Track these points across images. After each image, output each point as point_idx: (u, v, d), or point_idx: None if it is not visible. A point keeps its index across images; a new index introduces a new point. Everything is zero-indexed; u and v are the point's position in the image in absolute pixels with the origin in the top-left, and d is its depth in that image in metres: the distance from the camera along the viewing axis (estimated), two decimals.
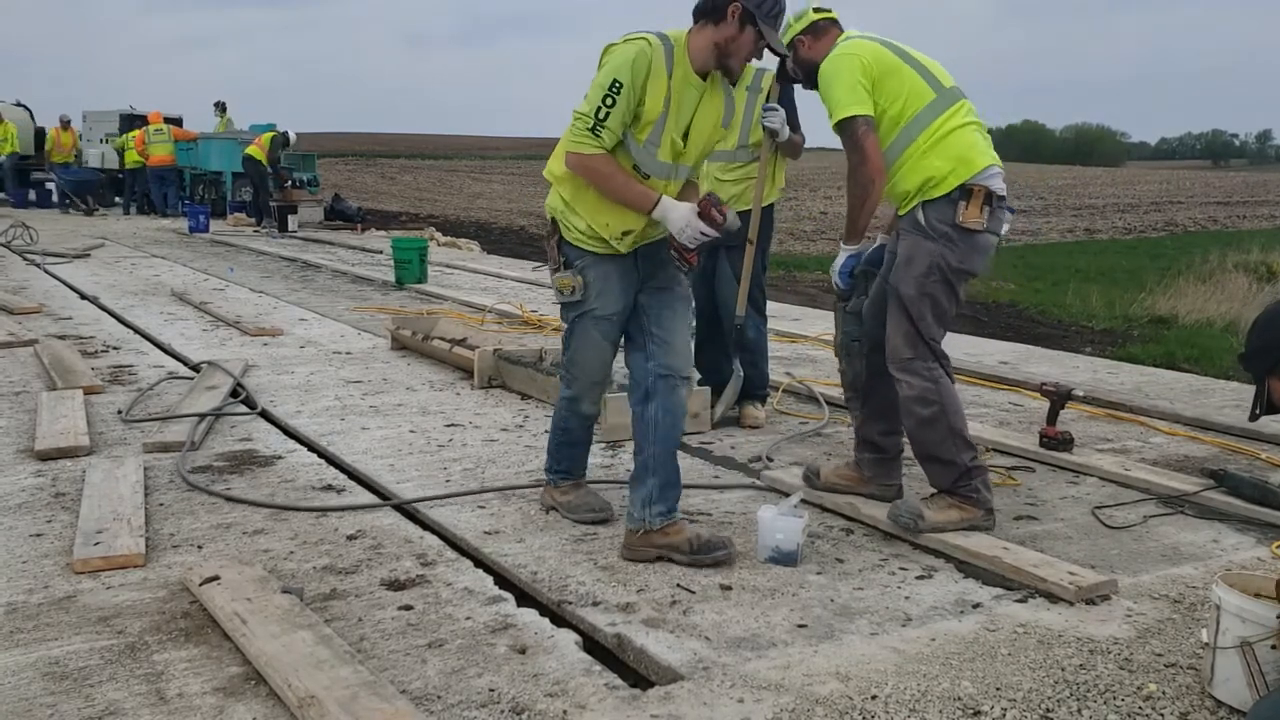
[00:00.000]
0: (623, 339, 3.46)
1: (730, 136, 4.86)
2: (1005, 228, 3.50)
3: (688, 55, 3.20)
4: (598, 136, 3.14)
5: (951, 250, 3.40)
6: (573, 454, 3.68)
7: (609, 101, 3.11)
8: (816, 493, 3.83)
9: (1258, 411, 2.52)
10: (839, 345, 3.95)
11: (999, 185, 3.43)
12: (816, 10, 3.67)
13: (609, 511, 3.62)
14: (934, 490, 3.57)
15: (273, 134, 17.71)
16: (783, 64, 3.93)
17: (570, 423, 3.60)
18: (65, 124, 21.92)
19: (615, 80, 3.11)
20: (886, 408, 3.69)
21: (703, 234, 3.18)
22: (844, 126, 3.41)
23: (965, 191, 3.36)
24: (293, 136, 18.21)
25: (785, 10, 3.27)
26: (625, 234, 3.28)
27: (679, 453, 4.55)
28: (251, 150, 17.56)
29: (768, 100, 4.80)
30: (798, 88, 4.93)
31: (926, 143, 3.39)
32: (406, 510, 3.75)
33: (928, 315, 3.44)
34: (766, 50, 3.27)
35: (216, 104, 22.17)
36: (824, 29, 3.61)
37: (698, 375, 4.70)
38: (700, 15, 3.21)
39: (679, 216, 3.17)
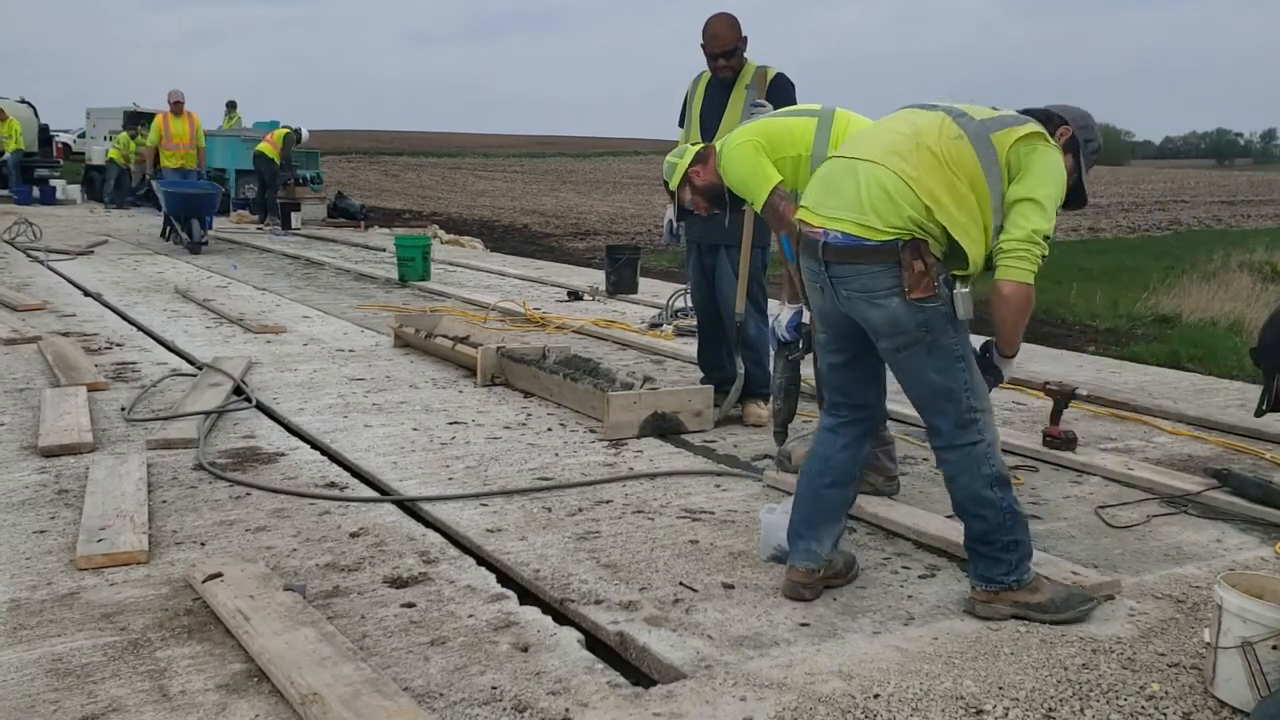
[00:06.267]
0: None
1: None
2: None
3: None
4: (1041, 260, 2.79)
5: None
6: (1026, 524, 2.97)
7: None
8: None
9: (1264, 407, 2.52)
10: (775, 387, 4.10)
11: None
12: (692, 144, 4.01)
13: None
14: None
15: (285, 131, 17.70)
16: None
17: (1007, 477, 2.94)
18: (178, 108, 14.34)
19: (1058, 198, 2.84)
20: None
21: None
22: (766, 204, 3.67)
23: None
24: (305, 134, 18.17)
25: (1100, 153, 3.10)
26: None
27: (682, 451, 4.58)
28: (263, 147, 17.52)
29: (758, 96, 4.80)
30: (795, 85, 4.94)
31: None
32: (408, 507, 3.76)
33: None
34: None
35: (229, 104, 22.18)
36: (705, 154, 3.89)
37: None
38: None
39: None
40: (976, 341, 2.97)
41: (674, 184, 3.96)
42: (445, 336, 6.43)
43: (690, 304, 7.57)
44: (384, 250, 13.32)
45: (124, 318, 7.87)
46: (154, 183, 14.87)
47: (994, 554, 2.87)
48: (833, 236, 2.81)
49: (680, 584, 3.09)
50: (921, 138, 2.81)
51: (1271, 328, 2.51)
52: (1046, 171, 2.80)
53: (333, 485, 3.97)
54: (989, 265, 2.84)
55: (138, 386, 5.48)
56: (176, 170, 14.30)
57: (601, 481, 4.06)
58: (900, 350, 2.84)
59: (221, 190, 14.63)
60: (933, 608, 2.97)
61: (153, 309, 8.30)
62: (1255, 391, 2.58)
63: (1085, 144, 2.98)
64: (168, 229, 13.73)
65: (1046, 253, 2.78)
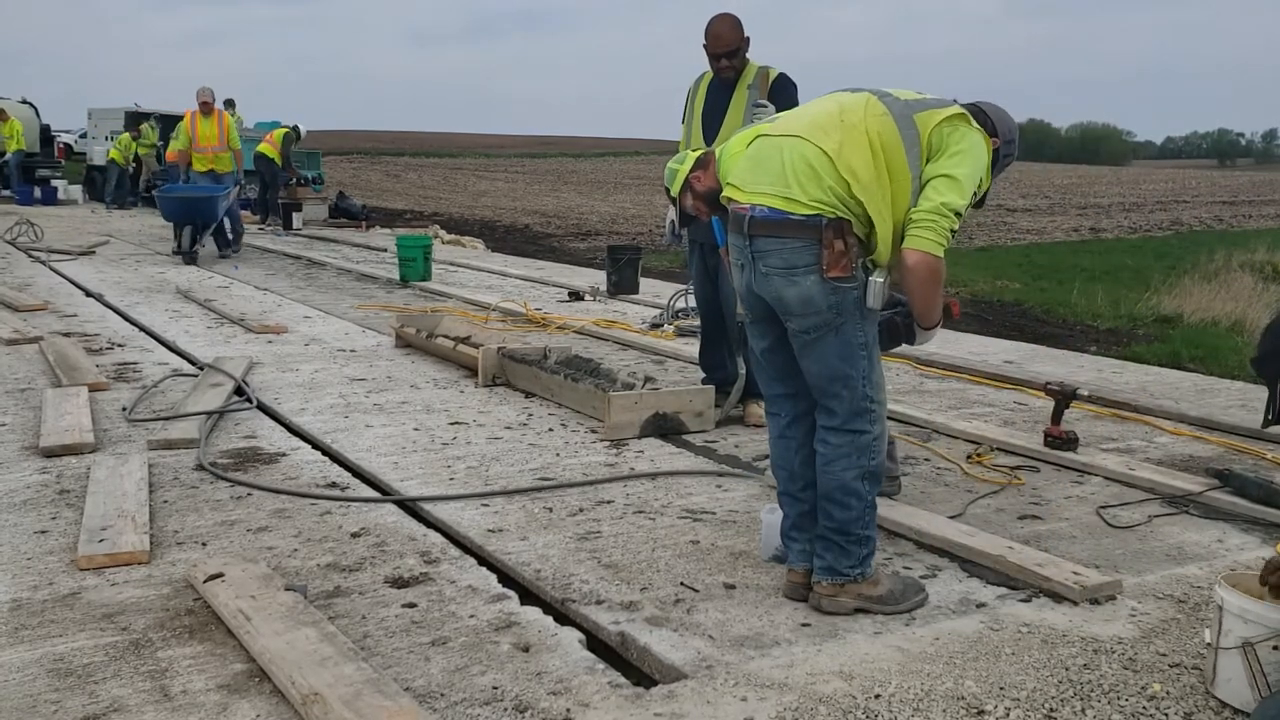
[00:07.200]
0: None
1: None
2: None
3: None
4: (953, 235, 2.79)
5: None
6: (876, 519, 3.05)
7: (970, 199, 2.80)
8: None
9: (1270, 417, 2.48)
10: None
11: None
12: (693, 150, 3.97)
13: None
14: None
15: (284, 130, 17.70)
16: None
17: (882, 474, 3.02)
18: (207, 108, 12.94)
19: (982, 179, 2.85)
20: None
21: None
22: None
23: None
24: (303, 131, 18.17)
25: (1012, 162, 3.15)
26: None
27: (683, 451, 4.58)
28: (263, 148, 17.53)
29: (760, 97, 4.80)
30: (798, 85, 4.94)
31: None
32: (410, 507, 3.76)
33: None
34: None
35: (227, 102, 22.16)
36: (705, 159, 3.78)
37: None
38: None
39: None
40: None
41: (675, 190, 3.95)
42: (446, 337, 6.43)
43: (690, 304, 7.59)
44: (385, 250, 13.33)
45: (125, 318, 7.87)
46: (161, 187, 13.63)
47: (847, 545, 2.91)
48: (758, 210, 2.83)
49: (681, 584, 3.09)
50: (846, 115, 2.83)
51: (1269, 336, 2.49)
52: (967, 151, 2.80)
53: (334, 485, 3.97)
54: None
55: (139, 387, 5.49)
56: (206, 174, 12.94)
57: (603, 481, 4.07)
58: (809, 331, 2.84)
59: (229, 192, 12.75)
60: (934, 608, 2.96)
61: (154, 309, 8.30)
62: (1257, 392, 2.59)
63: (1004, 158, 3.05)
64: (176, 243, 12.38)
65: (956, 227, 2.77)
